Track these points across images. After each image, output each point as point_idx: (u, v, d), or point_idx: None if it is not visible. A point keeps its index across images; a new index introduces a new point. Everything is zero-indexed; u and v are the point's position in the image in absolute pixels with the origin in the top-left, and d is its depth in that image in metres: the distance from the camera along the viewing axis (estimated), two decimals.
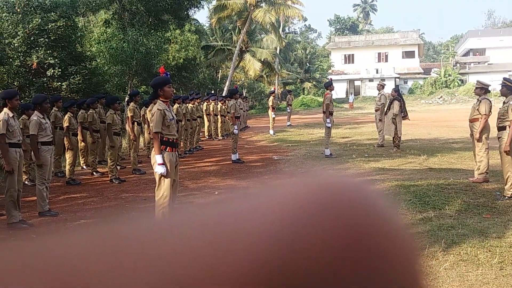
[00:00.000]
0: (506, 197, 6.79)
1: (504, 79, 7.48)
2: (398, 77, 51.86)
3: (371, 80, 52.84)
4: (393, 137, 12.42)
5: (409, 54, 55.84)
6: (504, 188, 6.93)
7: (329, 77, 33.77)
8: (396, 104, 12.41)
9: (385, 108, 13.04)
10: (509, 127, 6.88)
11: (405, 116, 12.56)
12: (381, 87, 14.36)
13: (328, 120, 11.65)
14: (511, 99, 7.08)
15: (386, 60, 55.44)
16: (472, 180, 8.09)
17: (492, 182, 7.90)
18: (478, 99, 8.31)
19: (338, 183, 0.16)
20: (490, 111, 8.04)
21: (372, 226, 0.15)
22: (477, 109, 8.18)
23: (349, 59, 56.71)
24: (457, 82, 49.43)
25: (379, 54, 56.02)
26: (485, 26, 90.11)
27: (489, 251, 4.87)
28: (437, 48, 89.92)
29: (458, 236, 5.35)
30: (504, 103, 7.15)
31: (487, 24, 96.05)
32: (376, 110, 14.08)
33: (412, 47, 55.95)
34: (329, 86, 12.03)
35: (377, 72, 53.29)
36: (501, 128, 7.07)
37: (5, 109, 6.61)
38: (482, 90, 8.35)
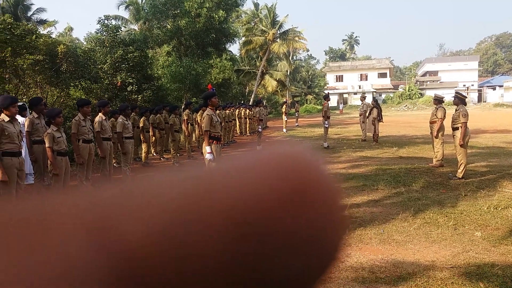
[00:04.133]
0: (457, 178, 6.65)
1: (456, 92, 7.30)
2: (375, 91, 51.19)
3: (355, 93, 52.42)
4: (373, 134, 12.27)
5: (382, 75, 55.08)
6: (457, 171, 6.78)
7: (326, 91, 33.50)
8: (375, 111, 12.25)
9: (367, 113, 12.90)
10: (461, 127, 6.73)
11: (380, 120, 12.39)
12: (363, 98, 14.22)
13: (326, 122, 11.54)
14: (461, 107, 6.92)
15: (366, 79, 54.75)
16: (431, 165, 7.94)
17: (446, 167, 7.74)
18: (435, 107, 8.15)
19: (286, 152, 0.15)
20: (444, 116, 7.89)
21: (309, 180, 0.14)
22: (435, 114, 8.04)
23: (339, 78, 56.11)
24: (417, 95, 48.62)
25: (361, 75, 55.31)
26: (438, 55, 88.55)
27: (446, 216, 4.77)
28: (402, 71, 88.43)
29: (423, 205, 5.25)
30: (456, 110, 6.98)
31: (439, 53, 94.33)
32: (360, 115, 13.90)
33: (385, 70, 55.17)
34: (326, 97, 11.94)
35: (359, 88, 52.77)
36: (454, 129, 6.91)
37: (100, 114, 6.69)
38: (437, 101, 8.20)
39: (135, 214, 0.13)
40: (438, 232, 4.25)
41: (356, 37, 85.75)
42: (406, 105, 45.37)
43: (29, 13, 31.93)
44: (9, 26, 11.13)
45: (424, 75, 58.30)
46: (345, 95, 54.47)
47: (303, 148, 0.15)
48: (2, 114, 4.42)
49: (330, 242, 0.14)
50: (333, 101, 48.61)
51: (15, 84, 12.66)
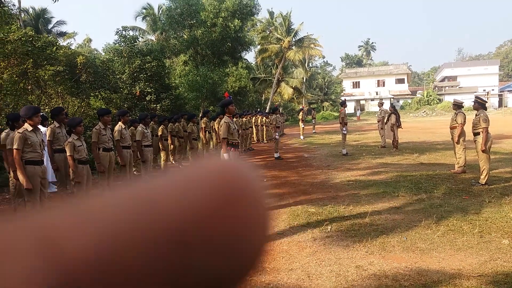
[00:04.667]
0: (480, 184, 6.49)
1: (476, 97, 7.17)
2: (392, 97, 50.70)
3: (372, 99, 52.11)
4: (393, 140, 12.12)
5: (400, 81, 54.52)
6: (480, 177, 6.62)
7: (343, 98, 33.37)
8: (393, 117, 12.12)
9: (385, 120, 12.77)
10: (482, 132, 6.59)
11: (399, 125, 12.24)
12: (381, 104, 14.09)
13: (344, 129, 11.46)
14: (481, 112, 6.78)
15: (384, 85, 54.26)
16: (453, 171, 7.79)
17: (468, 173, 7.57)
18: (455, 113, 8.01)
19: (219, 166, 0.15)
20: (464, 121, 7.75)
21: (238, 195, 0.15)
22: (455, 120, 7.90)
23: (356, 85, 55.75)
24: (436, 100, 47.88)
25: (378, 81, 54.84)
26: (456, 59, 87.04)
27: (470, 223, 4.65)
28: (420, 76, 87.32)
29: (446, 212, 5.14)
30: (476, 115, 6.84)
31: (458, 58, 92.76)
32: (378, 121, 13.76)
33: (402, 75, 54.60)
34: (343, 104, 11.85)
35: (376, 94, 52.34)
36: (475, 134, 6.76)
37: (120, 123, 6.77)
38: (457, 106, 8.07)
39: (77, 231, 0.14)
40: (463, 240, 4.15)
41: (372, 43, 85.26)
42: (424, 111, 44.74)
43: (50, 26, 32.80)
44: (31, 39, 11.42)
45: (442, 80, 57.43)
46: (362, 102, 54.06)
47: (232, 161, 0.16)
48: (26, 124, 4.52)
49: (251, 249, 0.14)
50: (350, 108, 48.37)
51: (38, 95, 12.96)
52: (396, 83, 54.33)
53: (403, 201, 5.84)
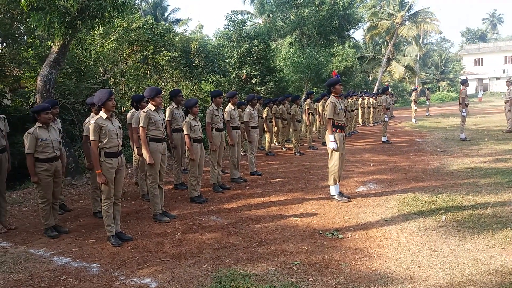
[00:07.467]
0: None
1: None
2: None
3: (498, 78, 46.65)
4: None
5: None
6: None
7: (464, 76, 30.47)
8: None
9: None
10: None
11: None
12: (509, 83, 12.58)
13: (463, 110, 10.51)
14: None
15: None
16: None
17: None
18: None
19: None
20: None
21: None
22: None
23: (479, 62, 50.25)
24: None
25: (506, 57, 48.64)
26: None
27: None
28: None
29: None
30: None
31: None
32: (505, 102, 12.32)
33: None
34: (464, 83, 10.84)
35: (503, 72, 46.68)
36: None
37: (229, 104, 7.09)
38: None
39: None
40: None
41: (499, 15, 75.67)
42: None
43: (166, 14, 35.42)
44: (151, 27, 12.45)
45: None
46: (485, 81, 48.72)
47: None
48: (149, 104, 5.01)
49: None
50: (471, 88, 43.89)
51: (156, 79, 14.18)
52: None
53: None
